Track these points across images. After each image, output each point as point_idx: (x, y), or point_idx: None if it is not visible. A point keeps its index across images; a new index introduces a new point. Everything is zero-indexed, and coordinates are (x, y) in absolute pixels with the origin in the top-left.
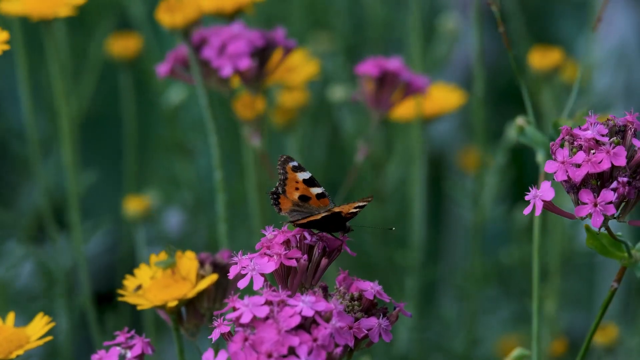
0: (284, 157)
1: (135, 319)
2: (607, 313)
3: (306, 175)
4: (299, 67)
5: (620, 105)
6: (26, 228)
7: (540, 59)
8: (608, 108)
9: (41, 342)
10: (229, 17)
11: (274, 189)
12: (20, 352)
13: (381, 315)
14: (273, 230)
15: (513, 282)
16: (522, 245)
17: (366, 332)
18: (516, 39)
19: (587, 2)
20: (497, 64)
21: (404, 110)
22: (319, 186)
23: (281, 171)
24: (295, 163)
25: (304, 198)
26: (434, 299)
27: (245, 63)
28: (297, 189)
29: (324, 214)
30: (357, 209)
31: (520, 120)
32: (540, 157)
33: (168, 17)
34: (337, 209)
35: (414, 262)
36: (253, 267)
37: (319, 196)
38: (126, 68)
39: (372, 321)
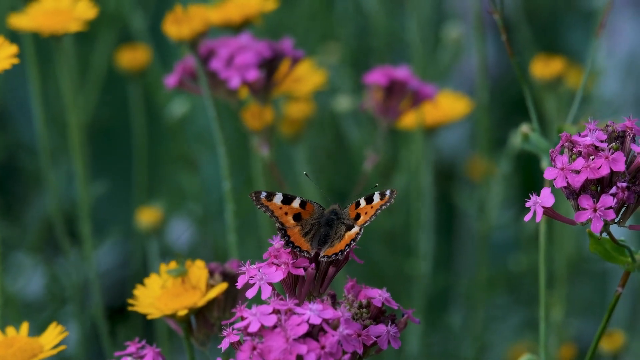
0: (253, 194)
1: (147, 331)
2: (616, 320)
3: (279, 196)
4: (305, 78)
5: (631, 114)
6: (35, 241)
7: (543, 67)
8: (614, 115)
9: (55, 351)
10: (237, 28)
11: (277, 233)
12: None
13: (390, 322)
14: (280, 240)
15: (522, 290)
16: (530, 252)
17: (375, 339)
18: (524, 48)
19: (596, 12)
20: (508, 74)
21: (411, 118)
22: (293, 198)
23: (263, 208)
24: (264, 193)
25: (297, 217)
26: (444, 308)
27: (253, 74)
28: (286, 213)
29: (357, 231)
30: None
31: (524, 128)
32: (545, 163)
33: (175, 29)
34: (360, 223)
35: (422, 270)
36: (261, 276)
37: (302, 205)
38: (135, 80)
39: (381, 328)
